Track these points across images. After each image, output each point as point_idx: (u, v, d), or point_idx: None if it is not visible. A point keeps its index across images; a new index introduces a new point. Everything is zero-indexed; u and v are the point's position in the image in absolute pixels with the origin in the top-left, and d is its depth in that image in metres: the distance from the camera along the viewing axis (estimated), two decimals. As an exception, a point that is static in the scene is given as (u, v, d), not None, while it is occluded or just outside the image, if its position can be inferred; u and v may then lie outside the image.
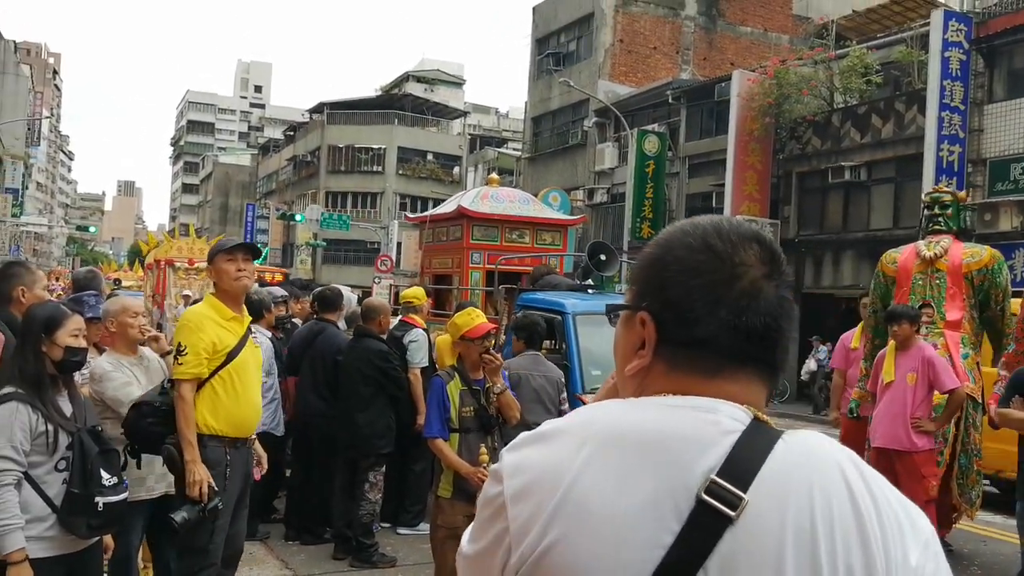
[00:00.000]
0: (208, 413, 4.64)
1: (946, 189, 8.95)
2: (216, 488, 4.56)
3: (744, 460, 1.13)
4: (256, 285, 7.94)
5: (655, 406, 1.20)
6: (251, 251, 4.96)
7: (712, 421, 1.16)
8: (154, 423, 4.55)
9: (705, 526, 1.09)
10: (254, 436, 5.02)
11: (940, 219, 8.33)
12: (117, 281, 23.66)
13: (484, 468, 5.16)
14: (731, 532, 1.09)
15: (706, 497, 1.10)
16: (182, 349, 4.59)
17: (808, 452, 1.17)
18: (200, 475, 4.50)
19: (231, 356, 4.74)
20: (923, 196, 8.70)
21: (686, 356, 1.24)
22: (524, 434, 1.24)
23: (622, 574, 1.09)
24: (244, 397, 4.80)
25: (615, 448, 1.15)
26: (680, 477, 1.11)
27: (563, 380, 6.92)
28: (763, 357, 1.25)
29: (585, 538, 1.10)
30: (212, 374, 4.68)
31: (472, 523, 1.26)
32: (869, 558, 1.10)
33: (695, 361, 1.23)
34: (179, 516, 4.44)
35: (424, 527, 7.59)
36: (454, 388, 5.40)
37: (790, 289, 1.29)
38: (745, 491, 1.10)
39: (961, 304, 7.87)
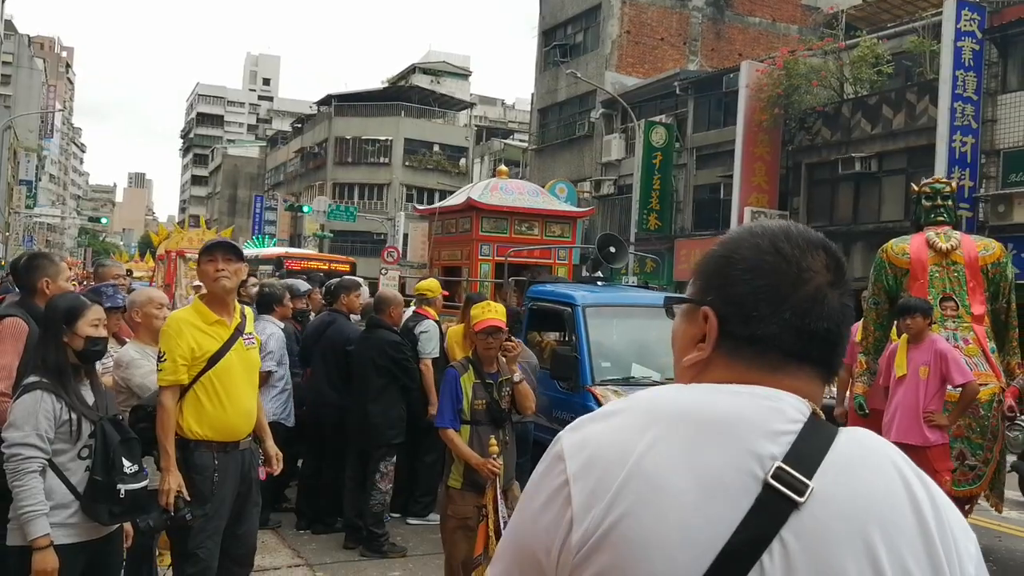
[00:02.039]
0: (192, 419, 4.60)
1: (944, 180, 8.86)
2: (188, 499, 4.49)
3: (808, 449, 1.17)
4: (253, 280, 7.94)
5: (720, 391, 1.23)
6: (230, 250, 4.81)
7: (777, 409, 1.20)
8: (146, 427, 4.54)
9: (771, 510, 1.12)
10: (250, 437, 4.92)
11: (943, 210, 8.26)
12: (128, 272, 23.71)
13: (493, 459, 5.18)
14: (796, 517, 1.13)
15: (773, 482, 1.13)
16: (162, 356, 4.56)
17: (866, 447, 1.22)
18: (170, 484, 4.44)
19: (213, 361, 4.65)
20: (917, 187, 8.58)
21: (749, 352, 1.27)
22: (586, 415, 1.27)
23: (690, 551, 1.11)
24: (230, 402, 4.70)
25: (683, 427, 1.18)
26: (747, 460, 1.15)
27: (538, 367, 7.45)
28: (822, 358, 1.29)
29: (653, 513, 1.12)
30: (194, 380, 4.62)
31: (520, 505, 1.27)
32: (931, 551, 1.14)
33: (756, 357, 1.27)
34: (143, 523, 4.40)
35: (434, 517, 7.62)
36: (467, 380, 5.42)
37: (852, 297, 1.33)
38: (810, 479, 1.14)
39: (982, 298, 7.82)
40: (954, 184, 8.94)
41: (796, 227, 1.33)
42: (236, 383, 4.75)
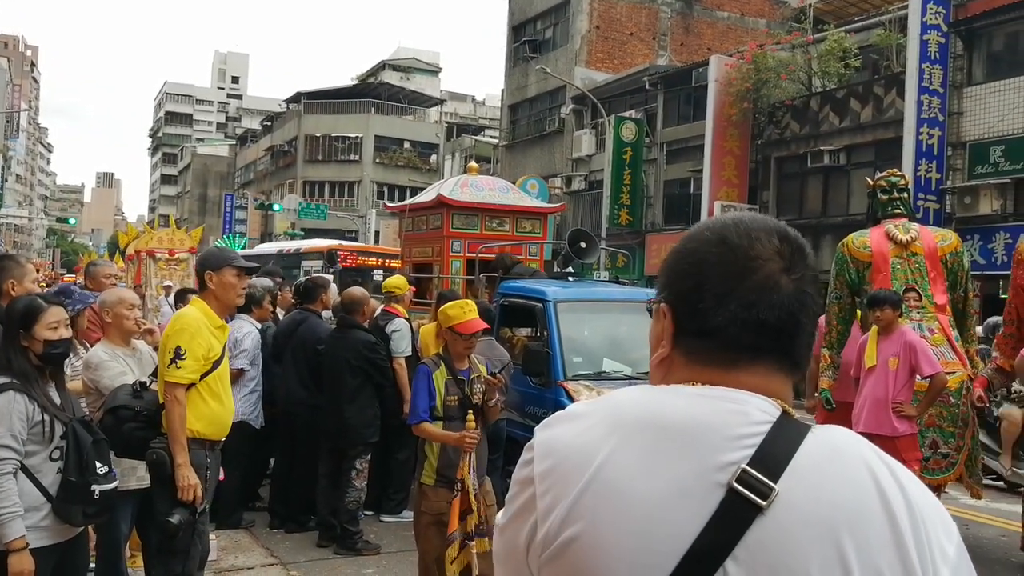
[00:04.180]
0: (193, 418, 4.66)
1: (899, 173, 8.93)
2: (204, 491, 4.63)
3: (775, 452, 1.14)
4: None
5: (686, 394, 1.21)
6: (250, 270, 5.17)
7: (742, 412, 1.17)
8: (137, 428, 4.56)
9: (735, 515, 1.10)
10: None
11: (899, 202, 8.33)
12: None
13: (470, 434, 5.14)
14: (760, 522, 1.10)
15: (737, 486, 1.11)
16: (181, 353, 4.58)
17: (837, 447, 1.18)
18: (193, 479, 4.55)
19: (216, 363, 4.79)
20: (872, 181, 8.64)
21: (701, 347, 1.25)
22: (557, 413, 1.26)
23: (650, 557, 1.10)
24: (225, 402, 4.89)
25: (646, 432, 1.16)
26: (710, 465, 1.13)
27: (511, 363, 7.38)
28: (779, 349, 1.24)
29: (614, 519, 1.12)
30: (199, 379, 4.72)
31: (507, 501, 1.27)
32: (902, 553, 1.11)
33: (709, 353, 1.24)
34: (175, 518, 4.46)
35: (407, 514, 7.61)
36: (439, 377, 5.41)
37: (815, 283, 1.28)
38: (776, 482, 1.12)
39: (943, 288, 7.91)
40: (908, 177, 9.00)
41: (751, 216, 1.30)
42: (228, 384, 5.01)
